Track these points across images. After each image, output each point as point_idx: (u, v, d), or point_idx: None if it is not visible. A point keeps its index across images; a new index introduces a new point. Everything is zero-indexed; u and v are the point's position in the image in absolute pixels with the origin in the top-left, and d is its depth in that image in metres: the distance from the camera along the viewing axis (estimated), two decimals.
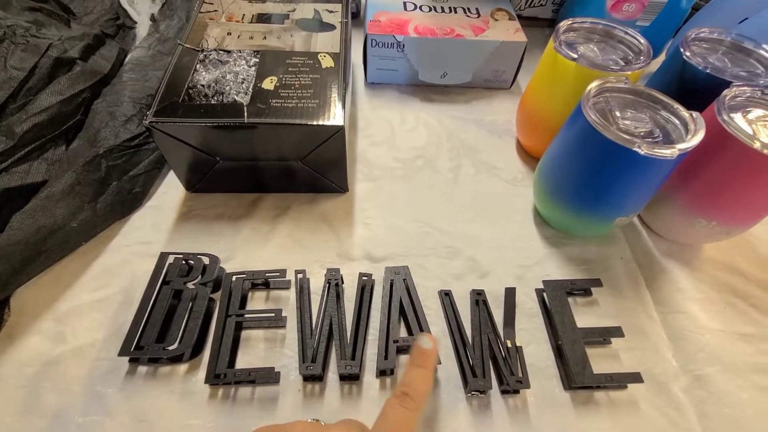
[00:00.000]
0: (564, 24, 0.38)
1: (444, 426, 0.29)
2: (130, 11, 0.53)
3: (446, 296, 0.35)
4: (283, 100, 0.34)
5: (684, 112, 0.31)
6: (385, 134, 0.47)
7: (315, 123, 0.33)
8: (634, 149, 0.28)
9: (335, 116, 0.34)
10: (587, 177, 0.33)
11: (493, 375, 0.30)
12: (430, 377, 0.26)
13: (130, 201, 0.37)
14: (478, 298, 0.34)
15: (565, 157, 0.34)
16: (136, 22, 0.52)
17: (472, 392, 0.29)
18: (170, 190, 0.40)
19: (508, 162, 0.45)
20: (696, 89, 0.35)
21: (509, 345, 0.31)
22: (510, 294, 0.35)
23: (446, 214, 0.40)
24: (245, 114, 0.33)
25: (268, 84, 0.35)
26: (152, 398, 0.28)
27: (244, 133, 0.33)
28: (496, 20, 0.51)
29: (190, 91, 0.34)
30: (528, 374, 0.30)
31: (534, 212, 0.41)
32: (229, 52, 0.37)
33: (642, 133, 0.31)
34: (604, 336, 0.31)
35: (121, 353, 0.28)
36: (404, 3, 0.52)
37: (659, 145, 0.28)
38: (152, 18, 0.53)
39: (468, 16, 0.51)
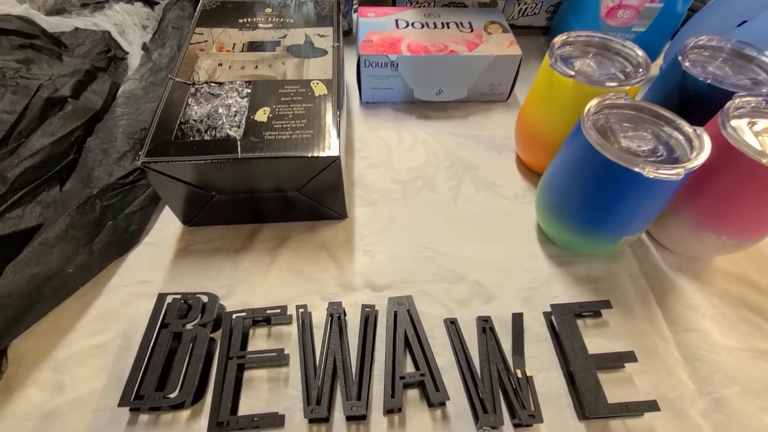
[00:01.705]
0: (559, 39, 0.38)
1: None
2: (122, 42, 0.52)
3: (452, 324, 0.34)
4: (276, 132, 0.34)
5: (687, 128, 0.30)
6: (382, 155, 0.46)
7: (310, 155, 0.32)
8: (638, 171, 0.27)
9: (330, 146, 0.33)
10: (590, 197, 0.32)
11: (504, 407, 0.29)
12: None
13: (127, 239, 0.37)
14: (485, 326, 0.33)
15: (566, 175, 0.33)
16: (127, 53, 0.52)
17: (484, 428, 0.28)
18: (167, 225, 0.39)
19: (508, 178, 0.45)
20: (698, 101, 0.34)
21: (519, 375, 0.30)
22: (517, 320, 0.34)
23: (448, 236, 0.39)
24: (239, 149, 0.32)
25: (261, 115, 0.35)
26: None
27: (238, 167, 0.33)
28: (490, 33, 0.50)
29: (183, 127, 0.34)
30: (540, 405, 0.29)
31: (537, 230, 0.40)
32: (220, 84, 0.37)
33: (645, 152, 0.30)
34: (616, 362, 0.30)
35: (121, 404, 0.27)
36: (396, 21, 0.52)
37: (664, 165, 0.27)
38: (144, 47, 0.53)
39: (461, 31, 0.51)
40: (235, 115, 0.35)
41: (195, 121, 0.34)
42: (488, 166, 0.46)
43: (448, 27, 0.51)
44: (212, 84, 0.37)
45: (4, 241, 0.31)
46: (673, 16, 0.52)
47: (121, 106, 0.43)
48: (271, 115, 0.35)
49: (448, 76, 0.49)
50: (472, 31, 0.51)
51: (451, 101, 0.52)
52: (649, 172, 0.27)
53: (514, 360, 0.31)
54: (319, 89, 0.37)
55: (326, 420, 0.29)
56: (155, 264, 0.36)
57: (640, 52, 0.36)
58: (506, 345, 0.32)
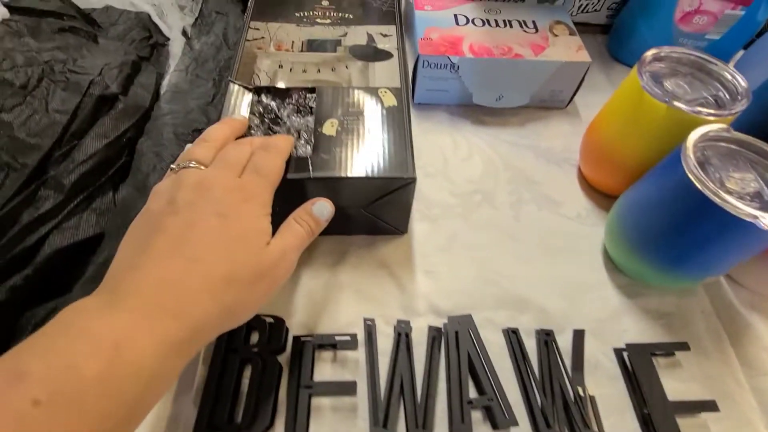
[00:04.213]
0: (650, 54, 0.35)
1: None
2: (161, 26, 0.49)
3: (513, 334, 0.33)
4: (347, 148, 0.32)
5: None
6: (438, 164, 0.44)
7: (384, 176, 0.31)
8: (751, 221, 0.25)
9: (406, 166, 0.31)
10: (682, 237, 0.30)
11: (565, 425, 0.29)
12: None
13: None
14: (547, 339, 0.33)
15: (654, 209, 0.32)
16: (168, 39, 0.49)
17: None
18: None
19: (570, 196, 0.43)
20: None
21: (581, 393, 0.30)
22: (578, 337, 0.33)
23: (510, 257, 0.38)
24: (311, 168, 0.30)
25: (329, 128, 0.33)
26: None
27: (306, 185, 0.31)
28: (556, 36, 0.47)
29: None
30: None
31: (604, 255, 0.39)
32: (285, 91, 0.34)
33: (750, 194, 0.28)
34: (696, 410, 0.30)
35: None
36: (455, 16, 0.48)
37: None
38: (184, 32, 0.50)
39: (525, 31, 0.47)
40: (300, 129, 0.33)
41: (260, 131, 0.32)
42: (549, 181, 0.44)
43: (511, 26, 0.48)
44: (275, 90, 0.34)
45: (63, 253, 0.30)
46: (752, 24, 0.48)
47: (168, 103, 0.41)
48: (339, 129, 0.33)
49: (511, 81, 0.46)
50: (536, 31, 0.47)
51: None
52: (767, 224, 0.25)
53: (573, 376, 0.31)
54: (388, 99, 0.35)
55: None
56: None
57: (742, 81, 0.33)
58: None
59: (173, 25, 0.50)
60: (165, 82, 0.44)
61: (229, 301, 0.22)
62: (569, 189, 0.43)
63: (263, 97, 0.34)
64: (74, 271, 0.30)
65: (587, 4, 0.56)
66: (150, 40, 0.45)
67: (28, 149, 0.31)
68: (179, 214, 0.23)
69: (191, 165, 0.26)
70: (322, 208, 0.29)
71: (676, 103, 0.31)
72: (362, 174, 0.30)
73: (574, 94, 0.49)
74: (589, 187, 0.43)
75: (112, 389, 0.18)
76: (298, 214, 0.28)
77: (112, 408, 0.18)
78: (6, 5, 0.37)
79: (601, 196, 0.42)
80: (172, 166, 0.27)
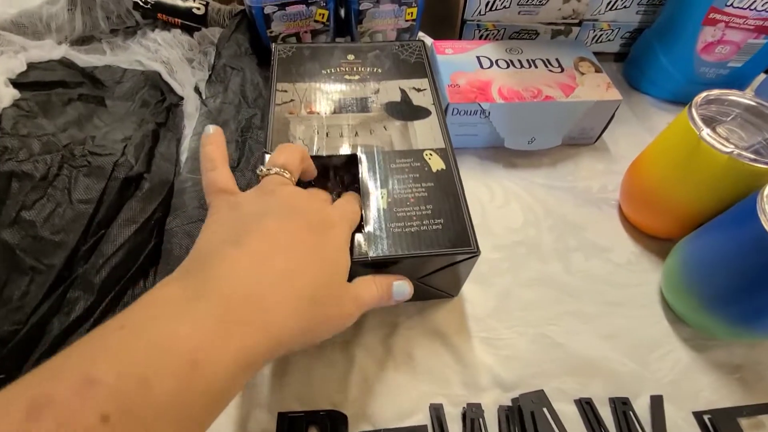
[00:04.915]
0: (700, 98, 0.34)
1: None
2: (173, 84, 0.47)
3: (587, 405, 0.31)
4: (402, 224, 0.29)
5: None
6: (476, 214, 0.42)
7: (446, 252, 0.29)
8: None
9: (468, 240, 0.29)
10: (760, 295, 0.29)
11: None
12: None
13: None
14: (625, 409, 0.31)
15: (727, 263, 0.30)
16: (182, 98, 0.46)
17: None
18: None
19: (616, 240, 0.41)
20: None
21: None
22: (657, 403, 0.31)
23: (568, 316, 0.36)
24: (367, 252, 0.28)
25: (380, 201, 0.31)
26: None
27: (363, 266, 0.29)
28: (582, 74, 0.46)
29: None
30: None
31: (662, 305, 0.37)
32: (326, 158, 0.32)
33: None
34: None
35: None
36: (478, 58, 0.47)
37: None
38: (197, 90, 0.47)
39: (551, 71, 0.46)
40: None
41: None
42: (592, 226, 0.42)
43: (536, 66, 0.47)
44: (315, 158, 0.32)
45: None
46: None
47: (191, 172, 0.38)
48: (390, 200, 0.31)
49: (543, 124, 0.45)
50: (562, 71, 0.46)
51: None
52: None
53: None
54: (435, 163, 0.33)
55: None
56: None
57: None
58: None
59: (185, 81, 0.48)
60: (183, 147, 0.42)
61: (308, 322, 0.22)
62: (614, 232, 0.42)
63: None
64: None
65: (601, 35, 0.56)
66: (164, 103, 0.43)
67: (53, 248, 0.28)
68: (275, 218, 0.23)
69: (278, 171, 0.26)
70: (402, 289, 0.28)
71: (739, 153, 0.30)
72: (422, 251, 0.28)
73: (604, 130, 0.48)
74: (633, 229, 0.42)
75: (182, 411, 0.17)
76: (380, 279, 0.28)
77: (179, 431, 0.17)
78: (13, 83, 0.35)
79: (649, 239, 0.41)
80: (258, 172, 0.27)
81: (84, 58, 0.46)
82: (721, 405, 0.31)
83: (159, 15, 0.52)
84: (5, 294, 0.27)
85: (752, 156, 0.30)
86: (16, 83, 0.35)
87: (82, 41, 0.51)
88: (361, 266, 0.28)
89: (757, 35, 0.46)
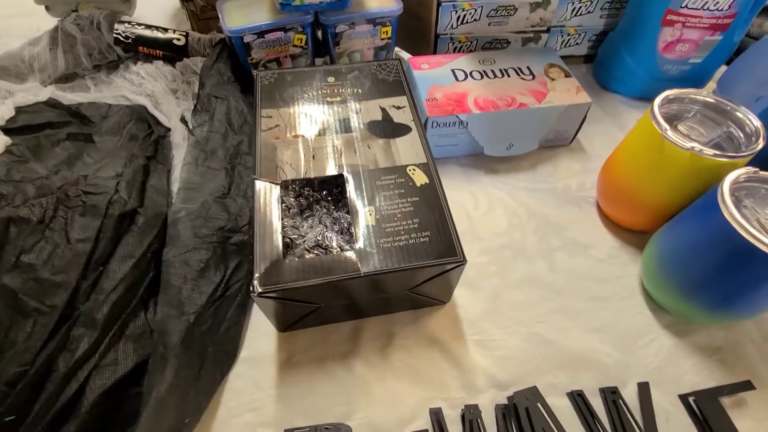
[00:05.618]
0: (660, 99, 0.36)
1: None
2: (159, 116, 0.48)
3: (579, 397, 0.33)
4: (391, 239, 0.31)
5: None
6: (462, 222, 0.44)
7: (434, 263, 0.30)
8: None
9: (454, 249, 0.31)
10: (729, 280, 0.31)
11: None
12: None
13: (224, 360, 0.34)
14: (614, 398, 0.32)
15: (697, 253, 0.32)
16: (169, 129, 0.47)
17: None
18: (258, 334, 0.36)
19: (596, 237, 0.43)
20: None
21: None
22: (644, 390, 0.33)
23: (556, 314, 0.38)
24: (360, 268, 0.29)
25: (368, 218, 0.32)
26: None
27: (357, 283, 0.30)
28: (553, 79, 0.48)
29: (287, 240, 0.31)
30: None
31: (643, 295, 0.39)
32: (313, 181, 0.34)
33: None
34: None
35: None
36: (453, 71, 0.49)
37: None
38: (183, 119, 0.49)
39: (523, 78, 0.48)
40: (337, 221, 0.32)
41: (296, 230, 0.31)
42: (573, 225, 0.44)
43: (509, 75, 0.49)
44: (304, 183, 0.34)
45: (107, 396, 0.28)
46: (730, 45, 0.51)
47: (183, 202, 0.39)
48: (378, 217, 0.32)
49: (520, 130, 0.47)
50: (534, 78, 0.49)
51: None
52: None
53: None
54: (419, 177, 0.35)
55: None
56: (260, 383, 0.34)
57: (756, 122, 0.34)
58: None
59: (170, 112, 0.49)
60: (174, 177, 0.43)
61: None
62: (594, 229, 0.44)
63: (292, 191, 0.33)
64: (121, 406, 0.28)
65: (569, 39, 0.58)
66: (152, 136, 0.44)
67: (54, 288, 0.29)
68: None
69: None
70: None
71: (701, 149, 0.32)
72: (412, 264, 0.30)
73: (577, 131, 0.50)
74: (611, 224, 0.44)
75: None
76: None
77: None
78: (3, 129, 0.36)
79: (627, 232, 0.43)
80: None
81: (69, 97, 0.47)
82: (703, 386, 0.33)
83: (140, 48, 0.53)
84: (10, 337, 0.28)
85: (713, 151, 0.32)
86: (5, 129, 0.36)
87: (66, 79, 0.52)
88: (355, 282, 0.29)
89: (713, 32, 0.49)
